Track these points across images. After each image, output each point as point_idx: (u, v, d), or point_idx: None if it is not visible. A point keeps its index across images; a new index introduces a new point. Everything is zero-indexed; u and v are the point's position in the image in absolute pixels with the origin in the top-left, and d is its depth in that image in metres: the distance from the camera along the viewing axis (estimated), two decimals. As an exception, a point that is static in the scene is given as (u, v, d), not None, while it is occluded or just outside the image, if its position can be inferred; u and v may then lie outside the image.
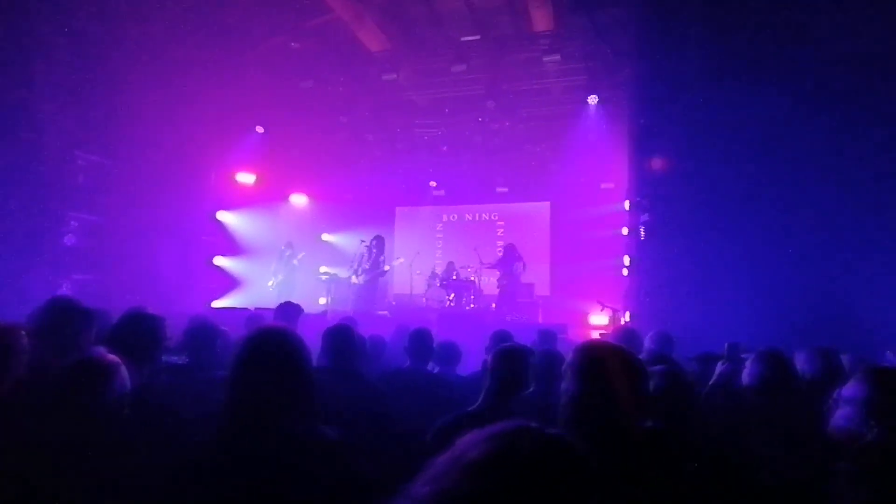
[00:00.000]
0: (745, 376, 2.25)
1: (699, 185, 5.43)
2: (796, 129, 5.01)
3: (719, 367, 2.56)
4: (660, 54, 5.52)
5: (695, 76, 5.30)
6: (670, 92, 5.51)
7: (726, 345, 2.59)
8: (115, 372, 1.75)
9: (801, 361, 2.48)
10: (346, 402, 2.39)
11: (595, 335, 8.19)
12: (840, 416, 1.59)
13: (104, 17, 6.86)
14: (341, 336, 2.75)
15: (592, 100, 8.61)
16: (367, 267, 9.02)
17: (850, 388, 1.55)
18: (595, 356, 1.52)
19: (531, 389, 2.29)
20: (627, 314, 6.99)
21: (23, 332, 2.12)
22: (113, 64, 7.08)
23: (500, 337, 3.35)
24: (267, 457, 1.40)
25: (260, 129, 10.48)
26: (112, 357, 1.80)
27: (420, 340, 3.20)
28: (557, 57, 8.11)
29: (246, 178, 10.82)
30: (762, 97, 4.95)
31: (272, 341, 1.56)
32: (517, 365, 2.21)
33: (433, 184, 13.15)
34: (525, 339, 4.63)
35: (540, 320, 9.59)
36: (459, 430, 0.80)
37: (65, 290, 6.84)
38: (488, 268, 9.94)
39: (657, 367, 1.96)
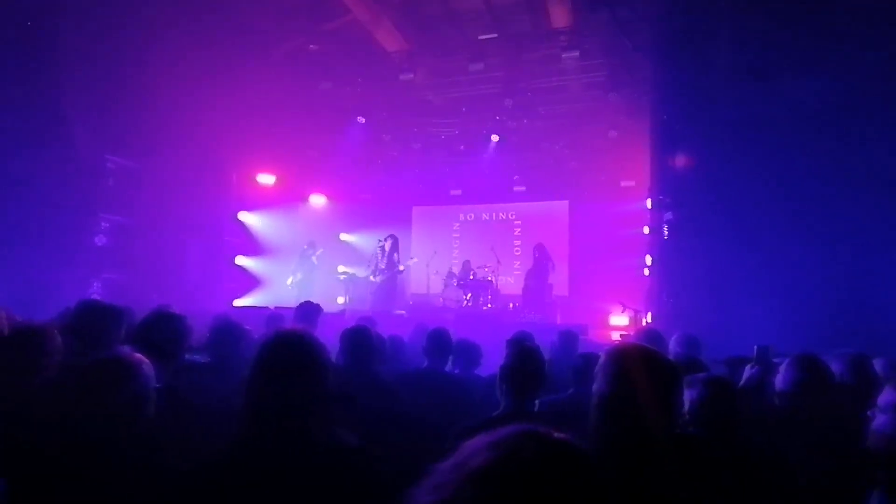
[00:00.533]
0: (780, 381, 2.18)
1: (724, 183, 5.30)
2: (825, 126, 4.86)
3: (748, 371, 2.49)
4: (683, 49, 5.41)
5: (720, 71, 5.18)
6: (694, 88, 5.39)
7: (756, 348, 2.52)
8: (136, 370, 1.73)
9: (833, 366, 2.39)
10: (362, 403, 2.40)
11: (615, 336, 8.09)
12: (879, 423, 1.53)
13: (130, 25, 7.00)
14: (359, 337, 2.76)
15: (611, 97, 8.50)
16: (382, 266, 9.08)
17: (887, 395, 1.48)
18: (626, 358, 1.49)
19: (570, 392, 2.26)
20: (649, 315, 6.88)
21: (55, 332, 2.16)
22: (140, 69, 7.22)
23: (522, 339, 3.31)
24: (285, 463, 1.40)
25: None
26: (135, 356, 1.79)
27: (438, 340, 3.18)
28: (576, 53, 8.02)
29: (266, 179, 10.93)
30: (790, 93, 4.81)
31: (291, 347, 1.54)
32: (531, 365, 2.17)
33: (457, 192, 13.12)
34: (545, 340, 4.59)
35: (558, 321, 9.49)
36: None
37: (96, 289, 7.02)
38: (528, 274, 9.82)
39: (700, 375, 1.91)
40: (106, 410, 1.63)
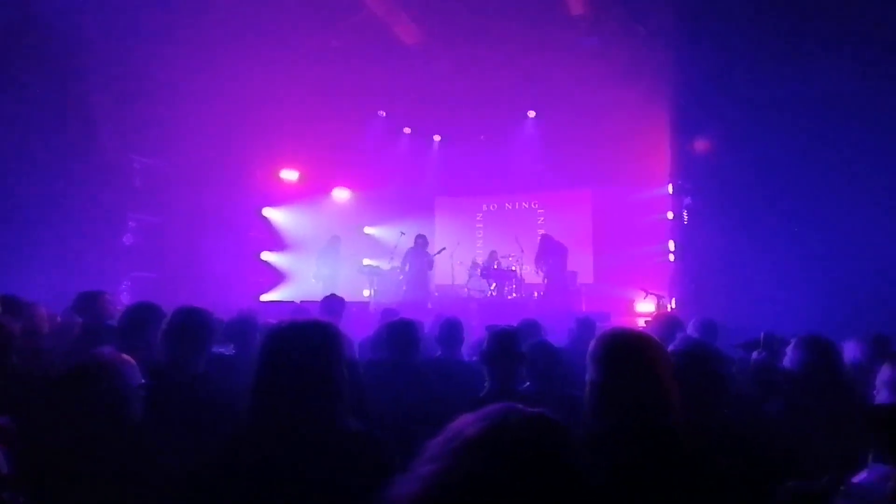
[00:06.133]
0: (787, 361, 2.19)
1: (744, 168, 5.21)
2: (848, 105, 4.72)
3: (755, 357, 2.49)
4: (698, 33, 5.31)
5: (740, 54, 5.07)
6: (710, 71, 5.29)
7: (763, 333, 2.52)
8: (116, 370, 1.74)
9: (850, 349, 2.38)
10: (402, 395, 2.53)
11: (641, 323, 8.03)
12: (879, 399, 1.53)
13: (153, 24, 7.18)
14: (402, 330, 2.91)
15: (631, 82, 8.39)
16: (415, 265, 9.30)
17: (885, 372, 1.48)
18: (615, 345, 1.49)
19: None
20: (673, 301, 6.82)
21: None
22: (162, 69, 7.42)
23: (527, 325, 3.39)
24: (292, 450, 1.42)
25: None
26: (117, 355, 1.81)
27: (450, 329, 3.26)
28: (595, 40, 7.94)
29: (289, 174, 11.14)
30: (812, 75, 4.68)
31: (296, 335, 1.55)
32: (503, 347, 2.32)
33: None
34: (565, 326, 4.63)
35: (584, 308, 9.46)
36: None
37: (125, 287, 7.29)
38: (535, 265, 9.81)
39: (679, 349, 1.93)
40: (90, 411, 1.65)
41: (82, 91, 6.80)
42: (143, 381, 1.82)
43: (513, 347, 2.34)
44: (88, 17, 6.59)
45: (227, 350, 2.94)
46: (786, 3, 4.89)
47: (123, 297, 6.88)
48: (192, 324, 2.43)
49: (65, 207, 6.61)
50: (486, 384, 2.35)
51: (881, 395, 1.47)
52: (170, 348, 2.36)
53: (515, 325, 3.34)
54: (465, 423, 0.82)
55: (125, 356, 1.82)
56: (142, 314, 2.81)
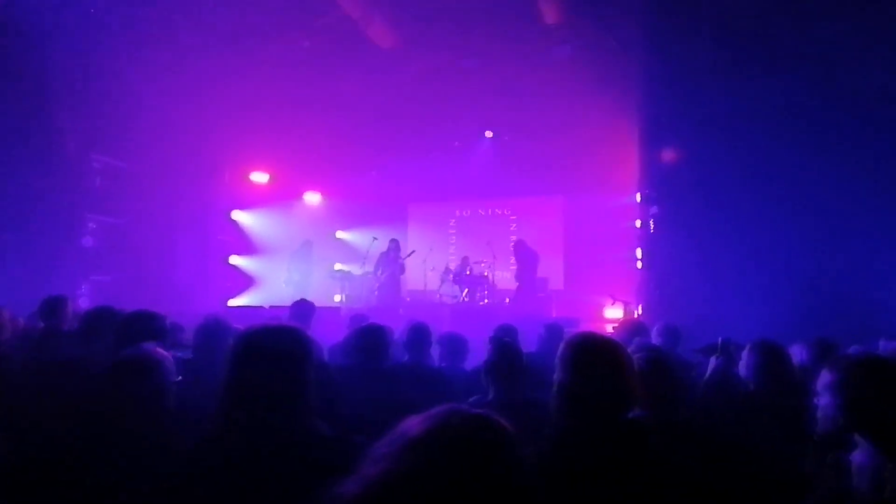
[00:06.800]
0: (742, 367, 2.28)
1: (709, 177, 5.40)
2: (807, 120, 4.95)
3: (712, 363, 2.59)
4: (667, 46, 5.48)
5: (705, 66, 5.25)
6: (680, 84, 5.46)
7: (720, 339, 2.62)
8: (159, 365, 1.88)
9: (797, 352, 2.48)
10: (369, 400, 2.52)
11: (609, 329, 8.18)
12: (820, 404, 1.61)
13: (115, 19, 7.01)
14: (371, 335, 2.89)
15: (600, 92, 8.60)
16: (389, 270, 9.29)
17: (824, 376, 1.57)
18: (582, 348, 1.57)
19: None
20: (640, 307, 6.98)
21: None
22: (125, 65, 7.23)
23: (504, 330, 3.42)
24: (259, 454, 1.43)
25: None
26: (159, 352, 1.93)
27: (417, 334, 3.27)
28: (567, 49, 8.10)
29: (260, 177, 10.99)
30: (773, 88, 4.90)
31: (265, 340, 1.57)
32: (509, 359, 2.36)
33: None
34: (535, 332, 4.68)
35: (554, 314, 9.59)
36: None
37: (84, 291, 7.06)
38: (514, 271, 9.94)
39: (639, 354, 2.00)
40: (132, 401, 1.78)
41: (40, 85, 6.57)
42: (179, 377, 1.94)
43: (517, 360, 2.41)
44: (48, 10, 6.40)
45: (185, 354, 2.89)
46: (751, 21, 5.10)
47: (82, 302, 6.66)
48: (143, 327, 2.42)
49: (20, 207, 6.38)
50: (489, 393, 2.39)
51: (823, 399, 1.55)
52: (116, 353, 2.33)
53: (492, 331, 3.40)
54: (410, 424, 0.83)
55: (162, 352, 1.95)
56: (99, 318, 2.80)
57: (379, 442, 0.84)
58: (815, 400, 1.58)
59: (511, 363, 2.39)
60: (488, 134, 10.82)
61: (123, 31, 7.10)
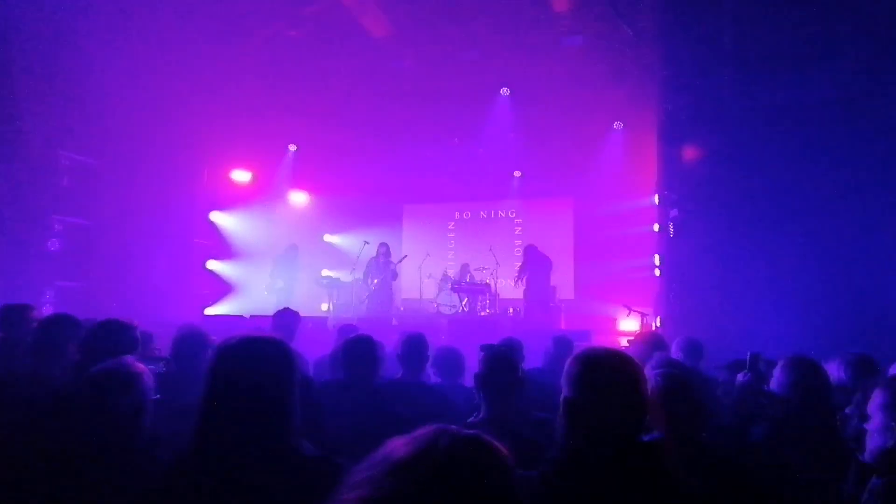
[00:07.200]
0: (774, 384, 2.26)
1: (734, 178, 5.38)
2: (838, 120, 4.93)
3: (740, 378, 2.56)
4: (686, 36, 5.48)
5: (728, 61, 5.26)
6: (703, 76, 5.46)
7: (749, 354, 2.60)
8: (137, 380, 1.89)
9: (834, 370, 2.47)
10: (358, 419, 2.50)
11: (623, 342, 8.15)
12: (871, 426, 1.60)
13: (88, 10, 7.02)
14: (360, 349, 2.87)
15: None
16: (380, 277, 9.30)
17: (878, 396, 1.56)
18: (591, 363, 1.55)
19: None
20: (658, 319, 6.96)
21: None
22: (97, 57, 7.23)
23: (507, 344, 3.38)
24: (239, 477, 1.44)
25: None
26: (137, 366, 1.94)
27: (412, 347, 3.23)
28: (579, 39, 8.10)
29: (241, 175, 10.99)
30: (800, 83, 4.89)
31: (245, 353, 1.58)
32: (501, 370, 2.30)
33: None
34: (543, 346, 4.66)
35: (563, 326, 9.56)
36: None
37: (48, 298, 7.03)
38: (516, 278, 9.90)
39: (658, 370, 1.98)
40: (106, 420, 1.78)
41: (4, 80, 6.57)
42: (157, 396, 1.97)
43: (511, 371, 2.33)
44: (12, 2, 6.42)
45: (157, 367, 2.87)
46: (777, 9, 5.09)
47: (46, 310, 6.63)
48: (113, 339, 2.40)
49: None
50: (481, 410, 2.32)
51: (875, 420, 1.53)
52: (84, 367, 2.31)
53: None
54: (394, 446, 0.83)
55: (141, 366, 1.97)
56: (58, 328, 2.76)
57: (359, 465, 0.83)
58: (864, 423, 1.56)
59: (505, 375, 2.31)
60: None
61: (94, 19, 7.10)
